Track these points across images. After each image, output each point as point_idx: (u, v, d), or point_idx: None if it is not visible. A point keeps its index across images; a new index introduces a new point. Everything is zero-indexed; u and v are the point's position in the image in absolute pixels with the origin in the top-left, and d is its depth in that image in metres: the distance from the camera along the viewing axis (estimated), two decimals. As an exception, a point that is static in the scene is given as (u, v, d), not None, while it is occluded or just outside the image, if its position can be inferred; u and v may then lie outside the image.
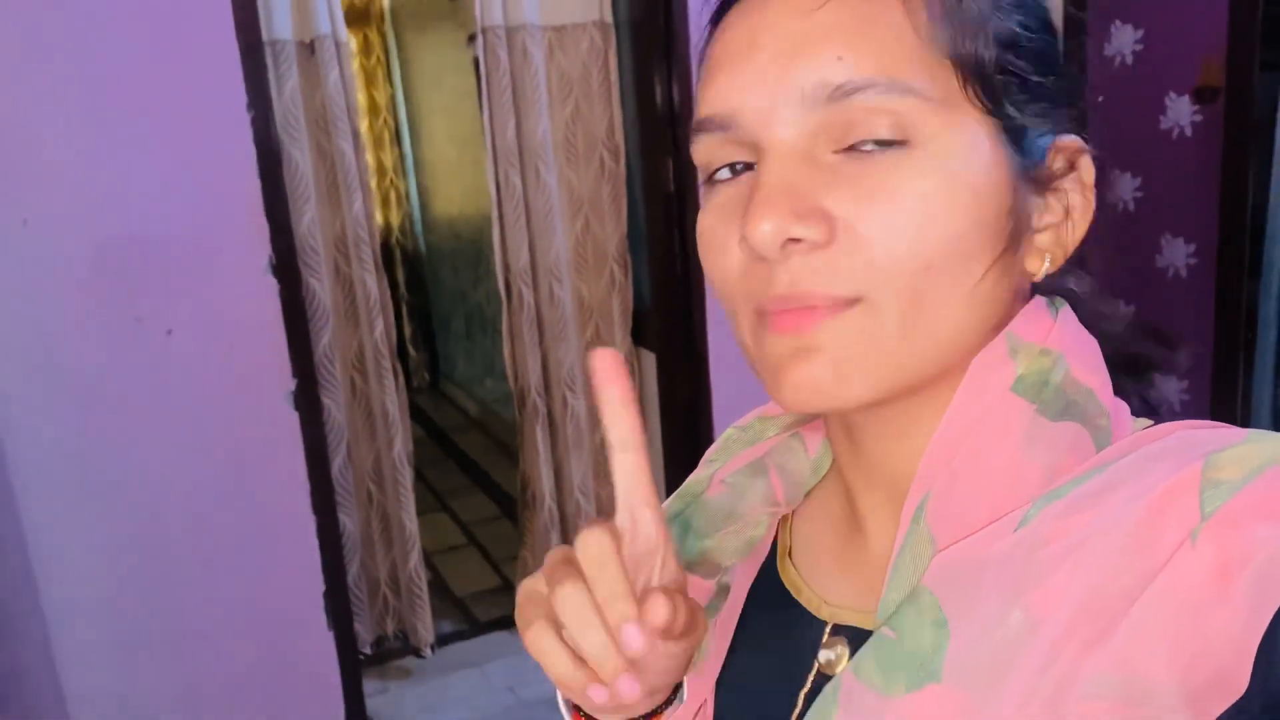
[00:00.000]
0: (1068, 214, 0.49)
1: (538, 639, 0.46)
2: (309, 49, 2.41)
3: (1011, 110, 0.46)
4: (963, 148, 0.45)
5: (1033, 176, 0.48)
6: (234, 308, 2.04)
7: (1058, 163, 0.49)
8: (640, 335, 2.79)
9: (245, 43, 1.95)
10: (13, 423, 1.91)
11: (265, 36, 2.20)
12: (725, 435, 0.68)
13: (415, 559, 2.73)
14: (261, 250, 2.03)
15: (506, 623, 2.94)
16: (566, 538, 2.84)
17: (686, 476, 0.69)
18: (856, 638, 0.53)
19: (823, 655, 0.54)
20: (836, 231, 0.45)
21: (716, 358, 2.51)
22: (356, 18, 4.75)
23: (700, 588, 0.60)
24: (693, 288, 2.50)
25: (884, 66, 0.44)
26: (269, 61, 2.26)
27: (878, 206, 0.45)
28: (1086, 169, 0.49)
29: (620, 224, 2.70)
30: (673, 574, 0.49)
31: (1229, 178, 2.39)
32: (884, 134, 0.45)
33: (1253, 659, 0.39)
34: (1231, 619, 0.39)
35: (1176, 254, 2.54)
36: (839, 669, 0.53)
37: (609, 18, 2.59)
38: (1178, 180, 2.51)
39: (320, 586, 2.22)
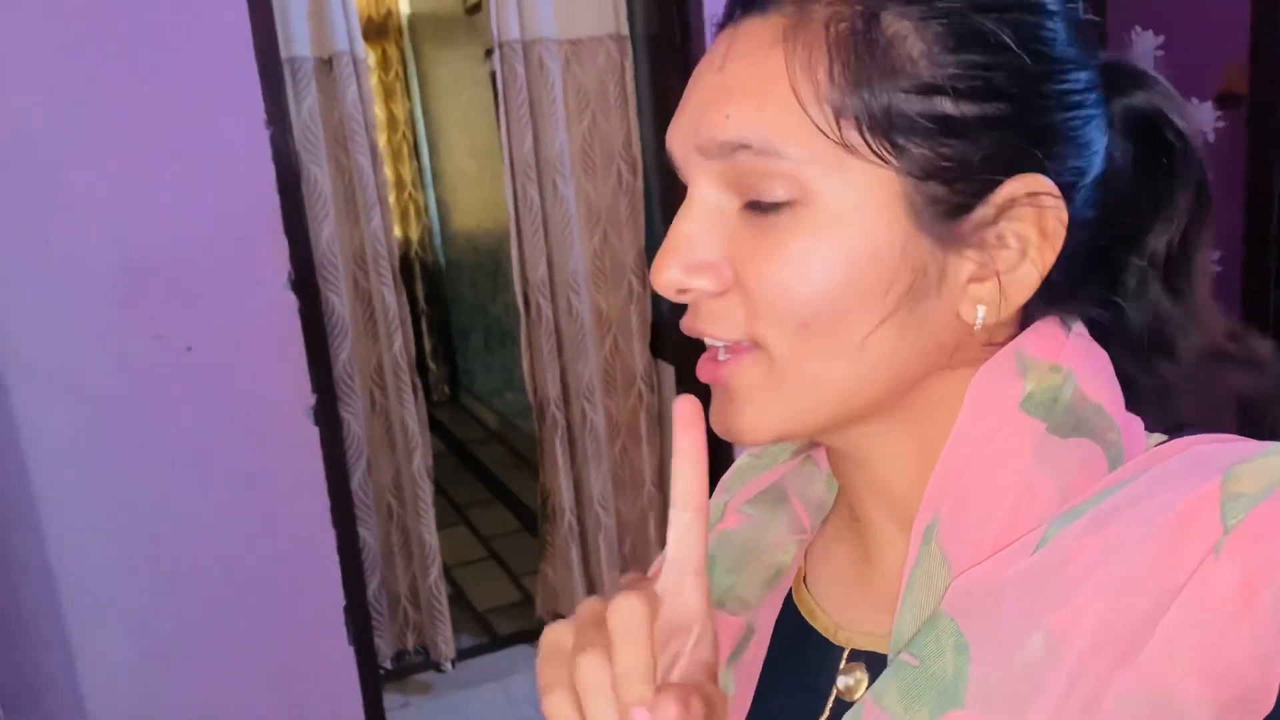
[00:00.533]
0: (1015, 265, 0.47)
1: (558, 709, 0.45)
2: (327, 65, 2.42)
3: (922, 162, 0.44)
4: (844, 210, 0.45)
5: (954, 231, 0.45)
6: (253, 323, 2.05)
7: (991, 214, 0.46)
8: (659, 348, 2.78)
9: (263, 59, 1.96)
10: (35, 440, 1.92)
11: (283, 53, 2.22)
12: (738, 463, 0.68)
13: (435, 573, 2.72)
14: (281, 266, 2.04)
15: (527, 636, 2.93)
16: (586, 551, 2.84)
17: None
18: (874, 662, 0.52)
19: (841, 681, 0.53)
20: (728, 283, 0.48)
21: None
22: (374, 33, 4.78)
23: (730, 625, 0.59)
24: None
25: (761, 128, 0.45)
26: (287, 78, 2.28)
27: (759, 264, 0.47)
28: (1049, 215, 0.46)
29: (638, 236, 2.70)
30: (707, 652, 0.48)
31: (1253, 184, 2.36)
32: (775, 195, 0.46)
33: (1279, 674, 0.38)
34: (1257, 634, 0.39)
35: (1201, 261, 2.51)
36: (857, 695, 0.52)
37: (625, 31, 2.59)
38: (1201, 187, 2.48)
39: (340, 601, 2.22)
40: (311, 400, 2.11)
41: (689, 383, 2.65)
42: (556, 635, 0.47)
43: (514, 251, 2.64)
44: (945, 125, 0.44)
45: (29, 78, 1.83)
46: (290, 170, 2.04)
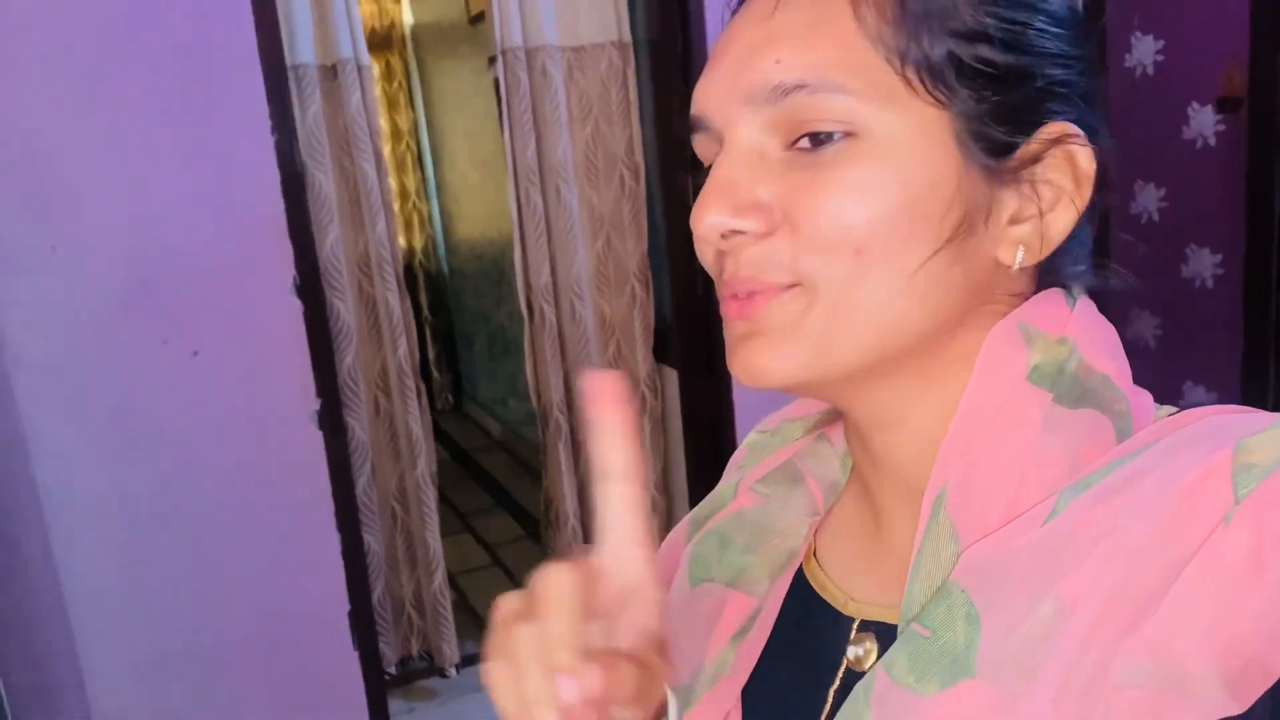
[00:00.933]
0: (1053, 205, 0.49)
1: (495, 676, 0.45)
2: (331, 73, 2.44)
3: (971, 104, 0.47)
4: (901, 140, 0.47)
5: (1000, 168, 0.48)
6: (259, 328, 2.06)
7: (1034, 151, 0.48)
8: (662, 352, 2.79)
9: (268, 66, 1.98)
10: (42, 445, 1.93)
11: (288, 60, 2.23)
12: (749, 440, 0.68)
13: (440, 579, 2.73)
14: (286, 271, 2.05)
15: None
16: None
17: (709, 491, 0.69)
18: (884, 633, 0.52)
19: (851, 652, 0.54)
20: (776, 223, 0.48)
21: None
22: (379, 44, 4.81)
23: (740, 604, 0.59)
24: (713, 304, 2.50)
25: (819, 67, 0.47)
26: (292, 85, 2.29)
27: (811, 195, 0.47)
28: (1083, 158, 0.49)
29: (641, 241, 2.71)
30: (652, 621, 0.47)
31: (1254, 187, 2.37)
32: (824, 128, 0.47)
33: None
34: (1266, 602, 0.39)
35: (1203, 264, 2.52)
36: (867, 665, 0.53)
37: (627, 38, 2.61)
38: (1202, 190, 2.49)
39: (345, 606, 2.22)
40: (316, 405, 2.12)
41: (692, 387, 2.66)
42: (505, 606, 0.47)
43: (518, 257, 2.65)
44: (991, 71, 0.47)
45: (34, 85, 1.85)
46: (295, 176, 2.05)
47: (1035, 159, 0.48)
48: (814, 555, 0.59)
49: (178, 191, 1.96)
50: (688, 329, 2.60)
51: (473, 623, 3.12)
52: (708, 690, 0.57)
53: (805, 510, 0.61)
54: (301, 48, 2.39)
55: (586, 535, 2.84)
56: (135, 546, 2.03)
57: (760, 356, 0.49)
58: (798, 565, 0.60)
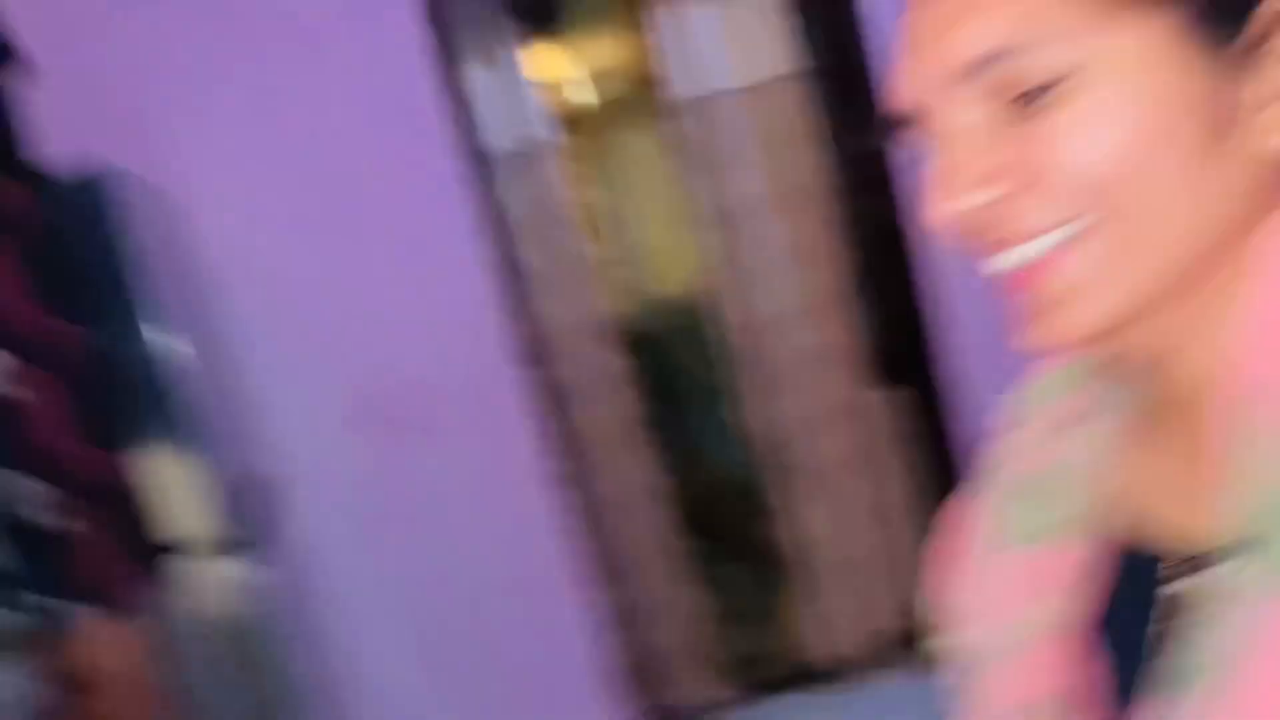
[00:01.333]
0: None
1: None
2: (523, 154, 2.56)
3: (1188, 3, 0.44)
4: (1120, 62, 0.45)
5: (1233, 55, 0.45)
6: (488, 402, 2.17)
7: (1264, 27, 0.45)
8: (877, 376, 2.73)
9: (467, 153, 2.11)
10: (314, 538, 2.09)
11: (484, 146, 2.37)
12: (1030, 394, 0.64)
13: (684, 628, 2.75)
14: (506, 344, 2.16)
15: (777, 685, 2.90)
16: (826, 593, 2.79)
17: (939, 511, 0.67)
18: (1197, 564, 0.49)
19: (1175, 587, 0.51)
20: (1027, 177, 0.46)
21: (957, 388, 2.42)
22: (563, 120, 5.00)
23: (1050, 560, 0.57)
24: (923, 322, 2.44)
25: (1014, 28, 0.45)
26: (492, 170, 2.43)
27: (1047, 145, 0.46)
28: None
29: (840, 268, 2.68)
30: None
31: None
32: (1038, 81, 0.45)
33: None
34: None
35: None
36: (1197, 598, 0.49)
37: (799, 69, 2.60)
38: None
39: (600, 663, 2.26)
40: (550, 467, 2.20)
41: (911, 407, 2.58)
42: None
43: (717, 302, 2.67)
44: None
45: (271, 214, 2.05)
46: (505, 255, 2.16)
47: (1264, 39, 0.45)
48: (1121, 496, 0.56)
49: (398, 284, 2.11)
50: (899, 350, 2.54)
51: (718, 670, 3.11)
52: (1022, 647, 0.56)
53: (1101, 452, 0.57)
54: (495, 132, 2.53)
55: (821, 571, 2.79)
56: (398, 618, 2.16)
57: (1061, 323, 0.48)
58: (1104, 511, 0.57)
